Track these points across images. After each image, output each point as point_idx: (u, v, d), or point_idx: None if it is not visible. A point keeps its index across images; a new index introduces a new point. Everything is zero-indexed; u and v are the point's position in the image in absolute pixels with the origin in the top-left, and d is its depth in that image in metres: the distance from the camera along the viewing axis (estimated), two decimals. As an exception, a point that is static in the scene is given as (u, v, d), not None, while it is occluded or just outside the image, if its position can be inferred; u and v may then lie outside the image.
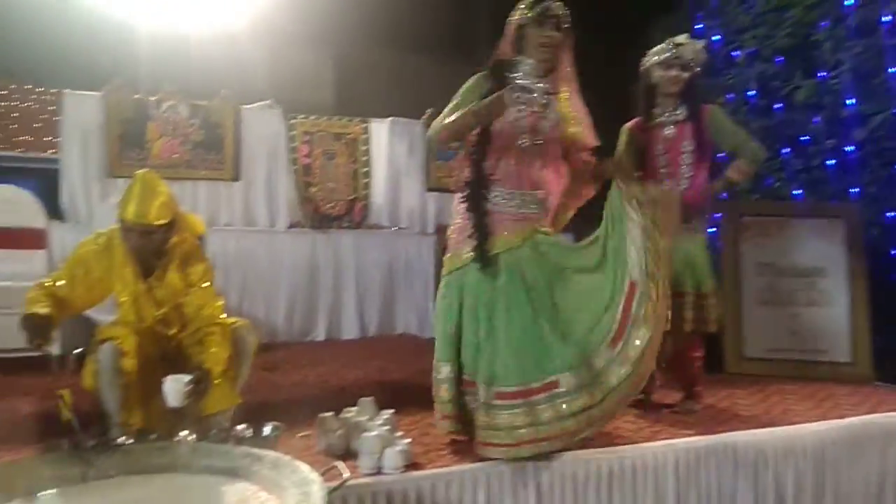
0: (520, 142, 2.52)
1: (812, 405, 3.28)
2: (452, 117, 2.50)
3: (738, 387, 3.65)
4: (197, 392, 2.38)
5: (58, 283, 2.56)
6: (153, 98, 5.07)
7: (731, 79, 5.08)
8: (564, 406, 2.33)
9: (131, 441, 2.16)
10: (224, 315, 2.72)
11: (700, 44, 3.20)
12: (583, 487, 2.41)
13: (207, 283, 2.66)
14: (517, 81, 2.51)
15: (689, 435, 2.74)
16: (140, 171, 2.63)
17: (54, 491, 1.85)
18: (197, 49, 6.79)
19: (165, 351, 2.64)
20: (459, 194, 2.64)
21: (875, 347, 3.91)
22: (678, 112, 3.15)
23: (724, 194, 3.63)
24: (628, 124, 3.27)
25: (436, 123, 2.56)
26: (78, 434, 2.01)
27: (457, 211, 2.67)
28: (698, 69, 3.19)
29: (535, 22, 2.52)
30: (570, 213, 2.78)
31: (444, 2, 6.89)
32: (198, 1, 5.95)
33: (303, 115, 5.53)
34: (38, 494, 1.81)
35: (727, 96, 5.07)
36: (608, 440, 2.64)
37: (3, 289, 4.19)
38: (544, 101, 2.54)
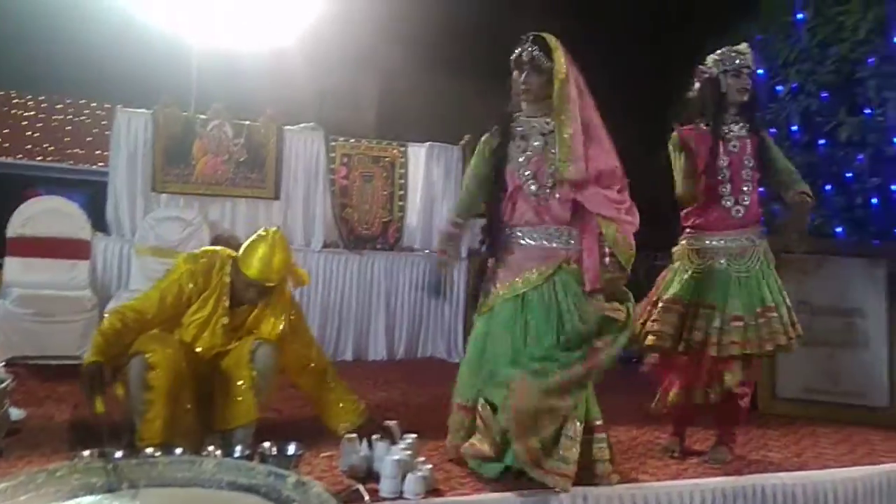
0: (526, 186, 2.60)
1: (846, 450, 3.19)
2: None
3: (770, 427, 3.58)
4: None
5: (146, 304, 2.61)
6: (201, 116, 5.21)
7: (773, 113, 5.01)
8: None
9: (158, 453, 2.21)
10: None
11: None
12: (603, 523, 2.38)
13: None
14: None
15: (717, 475, 2.70)
16: (270, 229, 2.68)
17: (81, 499, 1.89)
18: (245, 69, 6.99)
19: (197, 369, 2.67)
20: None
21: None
22: (741, 124, 3.06)
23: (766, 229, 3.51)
24: (681, 132, 3.04)
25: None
26: (107, 443, 2.07)
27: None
28: None
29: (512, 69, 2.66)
30: None
31: (484, 29, 6.97)
32: (247, 23, 6.14)
33: (343, 138, 5.62)
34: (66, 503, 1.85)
35: (770, 131, 5.00)
36: (631, 477, 2.61)
37: (46, 297, 4.32)
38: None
